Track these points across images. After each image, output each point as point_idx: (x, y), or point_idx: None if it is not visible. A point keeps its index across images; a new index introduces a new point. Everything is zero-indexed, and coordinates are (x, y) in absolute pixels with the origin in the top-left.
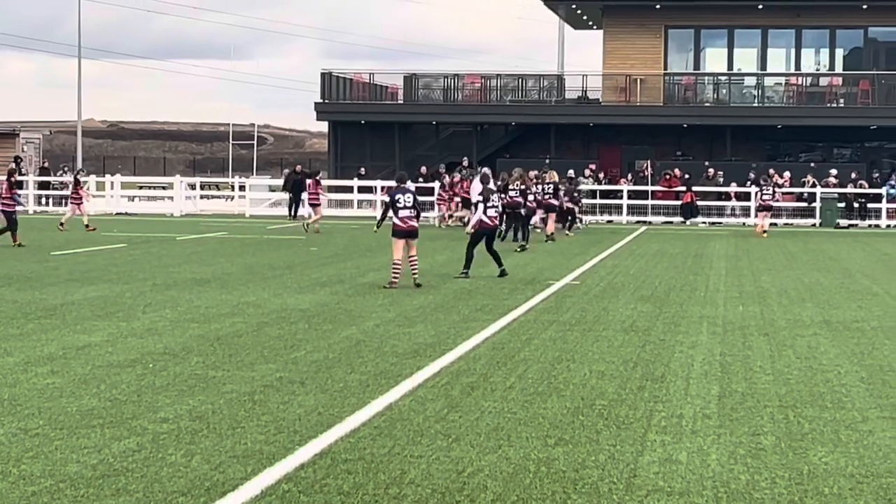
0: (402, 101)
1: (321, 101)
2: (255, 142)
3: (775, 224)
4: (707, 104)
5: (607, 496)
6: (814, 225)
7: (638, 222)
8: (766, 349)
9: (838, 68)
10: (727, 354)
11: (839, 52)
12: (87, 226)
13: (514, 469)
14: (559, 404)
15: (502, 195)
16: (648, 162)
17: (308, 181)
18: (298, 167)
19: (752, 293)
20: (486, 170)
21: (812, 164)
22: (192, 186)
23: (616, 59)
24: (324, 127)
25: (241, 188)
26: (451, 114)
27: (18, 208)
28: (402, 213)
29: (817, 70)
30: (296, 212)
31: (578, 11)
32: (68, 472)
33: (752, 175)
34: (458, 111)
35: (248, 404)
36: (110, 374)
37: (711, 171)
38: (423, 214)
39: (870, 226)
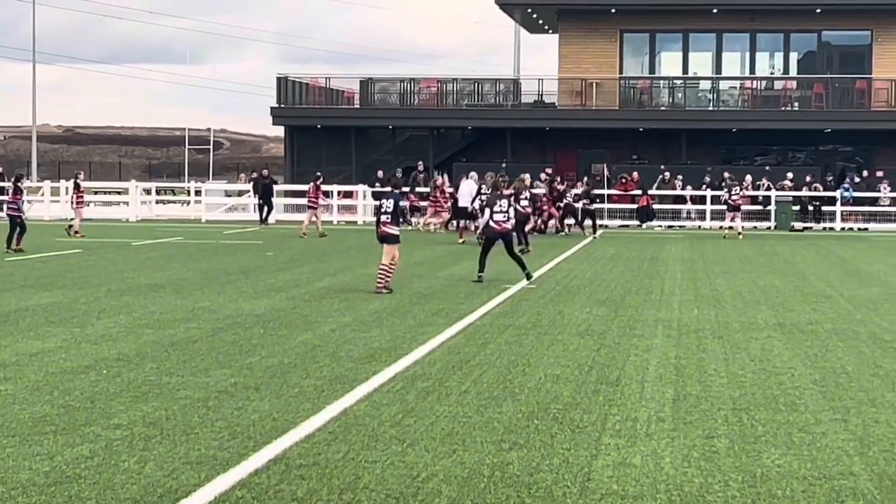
0: (358, 106)
1: (277, 105)
2: (211, 146)
3: (731, 228)
4: (662, 108)
5: (561, 500)
6: (769, 228)
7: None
8: (721, 352)
9: (793, 72)
10: (682, 357)
11: (793, 56)
12: (73, 229)
13: (468, 474)
14: (514, 408)
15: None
16: (604, 165)
17: (309, 185)
18: (265, 171)
19: (707, 296)
20: (494, 176)
21: (767, 168)
22: (148, 191)
23: (572, 63)
24: (280, 131)
25: (198, 193)
26: (408, 118)
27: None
28: (382, 218)
29: (772, 74)
30: (267, 216)
31: (534, 16)
32: (20, 479)
33: (707, 178)
34: (415, 115)
35: (203, 410)
36: (64, 381)
37: (667, 174)
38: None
39: (824, 229)
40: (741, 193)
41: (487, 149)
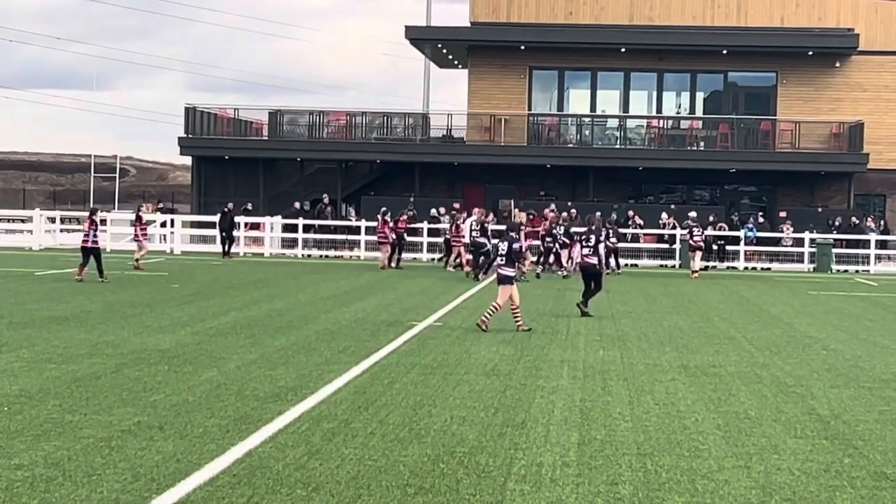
0: (266, 137)
1: (185, 135)
2: (117, 174)
3: (636, 265)
4: (570, 145)
5: None
6: (674, 266)
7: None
8: (626, 395)
9: (699, 112)
10: (587, 400)
11: (700, 96)
12: (137, 262)
13: None
14: (420, 451)
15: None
16: (512, 201)
17: (380, 221)
18: (230, 205)
19: (612, 336)
20: (595, 218)
21: (672, 206)
22: (52, 220)
23: (481, 99)
24: (188, 160)
25: (103, 222)
26: (316, 150)
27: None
28: (498, 261)
29: (678, 113)
30: (228, 249)
31: (444, 51)
32: None
33: (613, 216)
34: (323, 148)
35: (106, 450)
36: None
37: (574, 211)
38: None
39: (728, 268)
40: (702, 234)
41: (396, 182)
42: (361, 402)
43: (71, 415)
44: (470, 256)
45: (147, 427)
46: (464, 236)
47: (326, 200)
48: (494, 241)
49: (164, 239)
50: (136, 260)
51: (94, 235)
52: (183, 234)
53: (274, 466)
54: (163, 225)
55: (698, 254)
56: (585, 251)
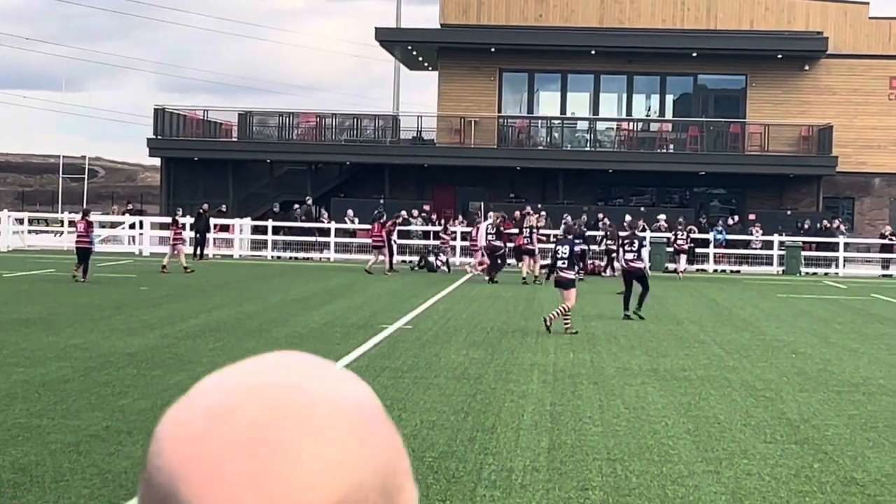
0: (236, 139)
1: (154, 137)
2: (86, 174)
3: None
4: (540, 147)
5: None
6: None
7: (468, 265)
8: (596, 399)
9: (668, 114)
10: (557, 404)
11: (669, 99)
12: (186, 267)
13: None
14: None
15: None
16: (482, 204)
17: (374, 224)
18: (205, 206)
19: (582, 339)
20: (634, 221)
21: (642, 209)
22: (21, 221)
23: (451, 101)
24: (157, 161)
25: (71, 223)
26: (286, 152)
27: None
28: (559, 264)
29: (648, 116)
30: (202, 252)
31: (414, 53)
32: None
33: (584, 217)
34: (293, 149)
35: (74, 455)
36: None
37: (543, 213)
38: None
39: (697, 270)
40: (686, 237)
41: (366, 184)
42: None
43: (38, 419)
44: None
45: (115, 432)
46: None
47: (310, 202)
48: (555, 245)
49: (133, 241)
50: (187, 266)
51: (89, 236)
52: (152, 236)
53: None
54: (131, 227)
55: (683, 256)
56: (630, 256)
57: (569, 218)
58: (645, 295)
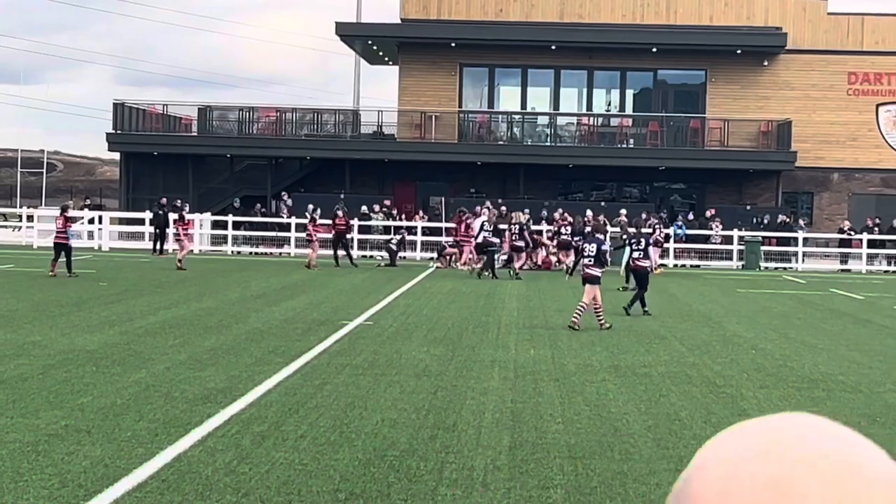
0: (196, 133)
1: (113, 131)
2: (44, 169)
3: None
4: (501, 142)
5: None
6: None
7: (431, 259)
8: (557, 396)
9: (628, 109)
10: (518, 401)
11: (629, 94)
12: (180, 262)
13: None
14: (350, 455)
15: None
16: (443, 199)
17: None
18: (164, 200)
19: (543, 336)
20: (639, 219)
21: (602, 203)
22: None
23: (411, 96)
24: (116, 155)
25: (30, 218)
26: (246, 147)
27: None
28: (585, 261)
29: (608, 111)
30: (161, 247)
31: (374, 47)
32: None
33: (544, 213)
34: (253, 144)
35: (32, 455)
36: None
37: (504, 208)
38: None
39: (659, 265)
40: (662, 232)
41: (326, 179)
42: (292, 405)
43: None
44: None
45: (75, 431)
46: (474, 236)
47: (286, 197)
48: (581, 241)
49: (92, 236)
50: (179, 260)
51: (67, 232)
52: (111, 231)
53: (203, 471)
54: (90, 221)
55: (657, 250)
56: (636, 254)
57: (590, 215)
58: (640, 294)
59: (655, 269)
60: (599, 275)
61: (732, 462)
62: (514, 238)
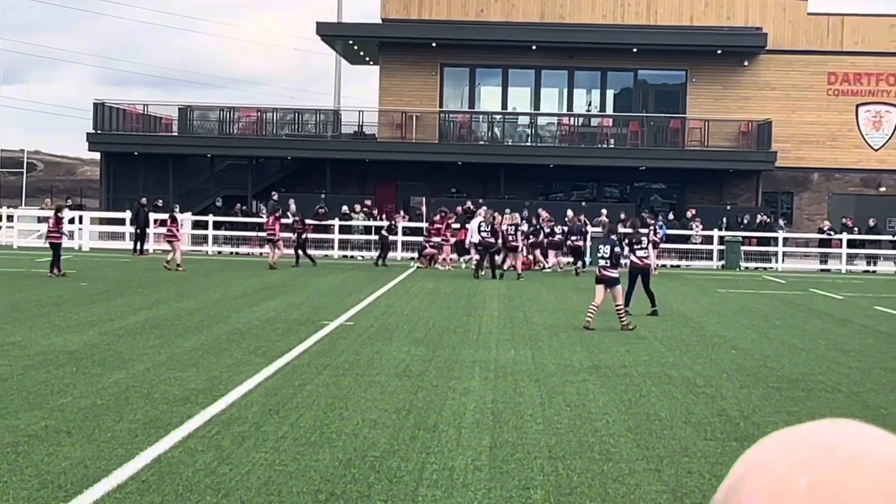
0: (176, 133)
1: (93, 131)
2: (24, 168)
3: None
4: (482, 142)
5: None
6: (584, 263)
7: (412, 259)
8: (537, 396)
9: (609, 109)
10: (499, 401)
11: (610, 94)
12: (167, 263)
13: None
14: (331, 456)
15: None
16: (423, 198)
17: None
18: (144, 200)
19: (523, 336)
20: (634, 219)
21: (583, 203)
22: None
23: (392, 96)
24: (97, 155)
25: (9, 218)
26: (227, 147)
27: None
28: (601, 263)
29: (588, 111)
30: (141, 247)
31: (355, 47)
32: None
33: (525, 213)
34: (234, 144)
35: (12, 456)
36: None
37: (485, 208)
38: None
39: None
40: (663, 233)
41: (307, 179)
42: (272, 405)
43: None
44: (440, 254)
45: (55, 432)
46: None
47: (276, 197)
48: (596, 243)
49: (73, 236)
50: (168, 261)
51: (59, 231)
52: (92, 231)
53: (184, 472)
54: (71, 221)
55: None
56: (641, 253)
57: (570, 215)
58: (632, 294)
59: (654, 269)
60: (617, 276)
61: (781, 469)
62: (510, 239)
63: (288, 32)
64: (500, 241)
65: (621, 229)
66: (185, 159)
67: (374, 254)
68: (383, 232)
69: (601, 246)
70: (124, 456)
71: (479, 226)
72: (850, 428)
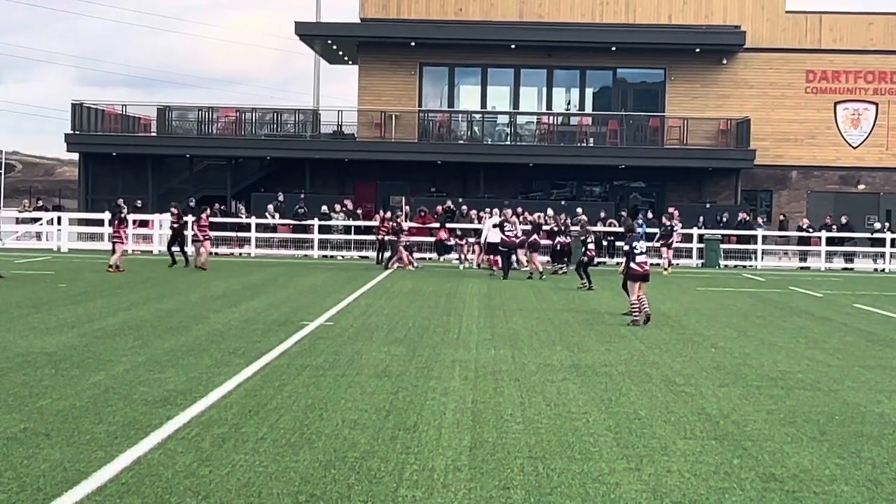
0: (155, 134)
1: (72, 132)
2: (2, 169)
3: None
4: (461, 141)
5: None
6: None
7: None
8: (517, 396)
9: (588, 108)
10: (479, 401)
11: (589, 92)
12: (113, 266)
13: None
14: (311, 457)
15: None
16: (403, 198)
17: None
18: (121, 200)
19: (503, 335)
20: (630, 219)
21: (563, 202)
22: None
23: (371, 95)
24: (75, 155)
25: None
26: (206, 147)
27: None
28: (638, 259)
29: (568, 109)
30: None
31: (334, 47)
32: None
33: (507, 212)
34: (213, 144)
35: None
36: None
37: (465, 208)
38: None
39: (617, 263)
40: (679, 233)
41: (286, 179)
42: (252, 406)
43: None
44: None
45: (33, 434)
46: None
47: (282, 197)
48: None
49: (50, 237)
50: (111, 264)
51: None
52: (70, 232)
53: (163, 474)
54: (49, 223)
55: (671, 251)
56: (641, 258)
57: (550, 213)
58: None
59: (667, 268)
60: (647, 272)
61: None
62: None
63: (267, 32)
64: (532, 237)
65: (615, 228)
66: (163, 160)
67: (355, 253)
68: (391, 237)
69: (635, 243)
70: (104, 458)
71: (503, 225)
72: None
